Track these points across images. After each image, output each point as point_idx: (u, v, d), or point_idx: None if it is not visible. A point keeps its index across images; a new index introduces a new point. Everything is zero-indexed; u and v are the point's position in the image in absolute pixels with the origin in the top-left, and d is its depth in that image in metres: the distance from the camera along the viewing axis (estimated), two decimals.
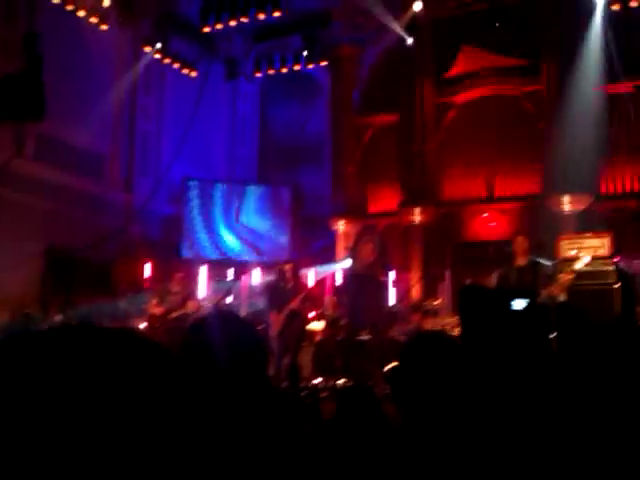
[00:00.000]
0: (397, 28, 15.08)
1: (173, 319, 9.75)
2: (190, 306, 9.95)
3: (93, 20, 14.55)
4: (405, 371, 2.16)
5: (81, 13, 14.26)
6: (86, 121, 14.08)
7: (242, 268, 14.12)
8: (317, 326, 11.14)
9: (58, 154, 13.94)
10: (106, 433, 0.75)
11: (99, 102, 14.58)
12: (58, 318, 11.39)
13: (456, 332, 11.19)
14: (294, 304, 9.42)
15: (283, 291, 9.66)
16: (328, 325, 11.04)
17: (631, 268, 10.16)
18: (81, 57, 14.06)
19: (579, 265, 8.38)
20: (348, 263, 9.74)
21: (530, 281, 8.27)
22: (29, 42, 12.88)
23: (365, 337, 8.88)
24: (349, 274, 9.05)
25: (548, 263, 8.69)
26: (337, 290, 12.30)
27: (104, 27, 14.82)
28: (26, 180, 13.08)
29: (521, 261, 8.43)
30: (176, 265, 10.29)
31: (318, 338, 11.02)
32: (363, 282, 8.70)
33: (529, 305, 5.65)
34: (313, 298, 10.14)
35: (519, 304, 6.02)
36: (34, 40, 12.87)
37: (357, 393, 4.09)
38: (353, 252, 9.32)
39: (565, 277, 8.29)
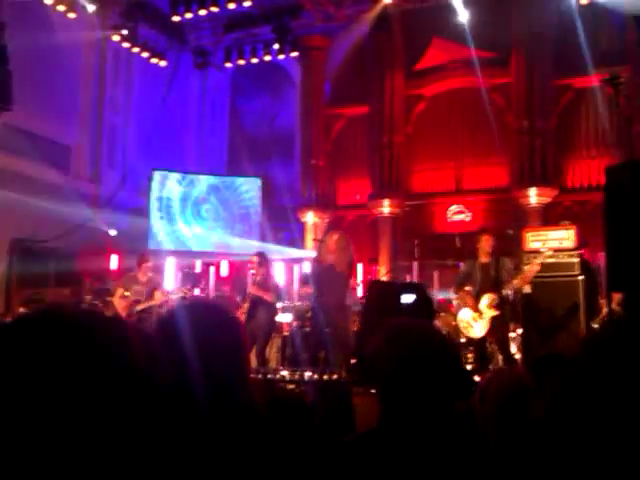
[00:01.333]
0: (368, 19, 15.08)
1: (140, 311, 9.65)
2: (157, 297, 9.83)
3: (60, 8, 14.33)
4: (381, 359, 2.14)
5: (48, 1, 14.04)
6: (53, 111, 13.92)
7: (210, 259, 14.07)
8: (284, 318, 11.14)
9: (25, 144, 13.76)
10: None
11: (66, 92, 14.41)
12: (22, 311, 11.28)
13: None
14: (255, 292, 9.37)
15: (251, 282, 9.64)
16: (295, 317, 11.05)
17: (595, 260, 10.27)
18: (48, 45, 13.85)
19: (540, 259, 8.51)
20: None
21: (494, 277, 8.36)
22: None
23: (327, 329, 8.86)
24: (315, 265, 9.04)
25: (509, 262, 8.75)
26: (304, 281, 12.31)
27: (72, 15, 14.61)
28: None
29: (484, 258, 8.50)
30: (143, 255, 10.15)
31: (286, 330, 11.03)
32: (328, 273, 8.70)
33: (417, 299, 5.84)
34: (278, 288, 10.06)
35: (407, 298, 6.19)
36: (0, 29, 12.69)
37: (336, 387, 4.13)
38: (321, 243, 9.31)
39: (529, 270, 8.41)
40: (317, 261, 8.88)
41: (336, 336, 8.49)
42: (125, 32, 15.52)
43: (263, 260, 9.70)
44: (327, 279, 8.61)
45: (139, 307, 9.65)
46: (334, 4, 15.68)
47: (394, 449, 1.94)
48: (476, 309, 8.36)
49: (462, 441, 1.97)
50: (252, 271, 9.50)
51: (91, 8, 14.79)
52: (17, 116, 12.87)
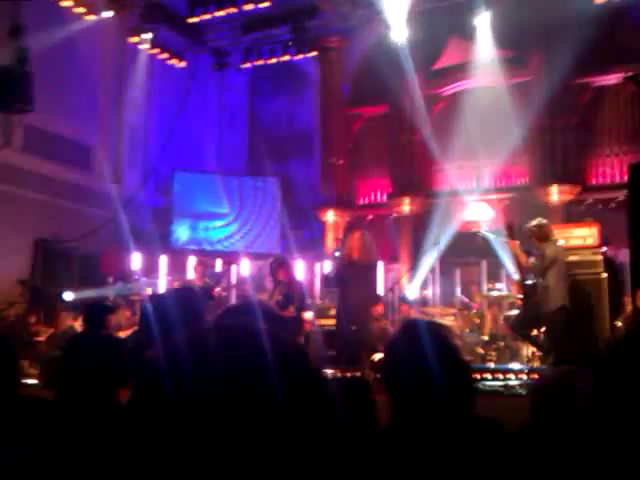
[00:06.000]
0: (385, 19, 15.07)
1: None
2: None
3: (80, 10, 14.43)
4: (391, 360, 2.16)
5: (67, 3, 14.15)
6: (74, 112, 14.02)
7: (231, 258, 14.11)
8: (306, 316, 11.14)
9: (46, 145, 13.87)
10: None
11: (87, 92, 14.51)
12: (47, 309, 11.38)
13: (444, 320, 11.30)
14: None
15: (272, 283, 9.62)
16: (320, 315, 11.06)
17: (618, 258, 10.23)
18: (68, 48, 13.95)
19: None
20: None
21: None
22: (15, 33, 12.79)
23: (354, 326, 8.85)
24: (339, 263, 9.02)
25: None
26: (326, 280, 12.29)
27: (91, 17, 14.71)
28: (14, 171, 13.02)
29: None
30: (201, 260, 10.30)
31: (307, 328, 11.03)
32: (353, 271, 8.69)
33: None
34: (302, 295, 9.87)
35: None
36: (20, 31, 12.79)
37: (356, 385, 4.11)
38: (342, 242, 9.31)
39: None
40: (341, 259, 8.86)
41: (361, 333, 8.48)
42: (145, 36, 15.62)
43: (281, 263, 9.47)
44: (352, 276, 8.61)
45: None
46: (351, 4, 15.68)
47: (404, 450, 1.94)
48: None
49: (476, 442, 1.97)
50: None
51: (108, 14, 14.88)
52: (38, 117, 12.96)
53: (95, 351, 2.56)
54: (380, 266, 11.24)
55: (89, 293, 11.78)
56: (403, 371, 2.04)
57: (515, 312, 10.20)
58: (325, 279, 12.19)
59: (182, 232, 15.56)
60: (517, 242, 8.69)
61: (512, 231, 8.68)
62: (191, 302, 2.48)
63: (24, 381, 8.18)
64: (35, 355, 9.92)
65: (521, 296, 9.59)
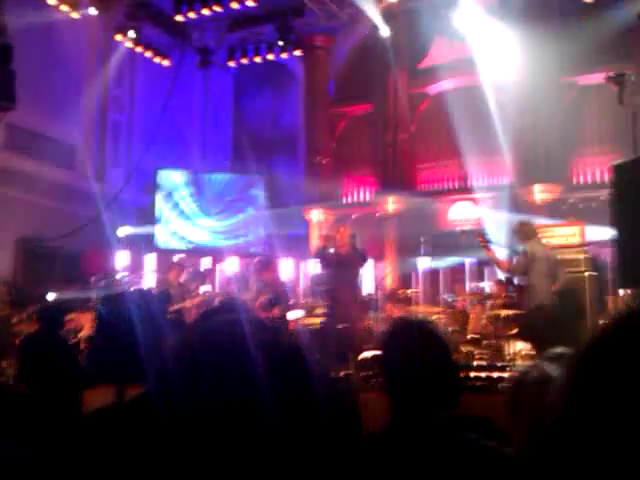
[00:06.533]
0: (371, 18, 15.07)
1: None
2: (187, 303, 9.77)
3: (64, 8, 14.34)
4: (389, 360, 2.16)
5: (52, 1, 14.05)
6: (57, 110, 13.93)
7: (216, 257, 14.10)
8: (295, 315, 11.14)
9: (29, 143, 13.78)
10: None
11: (70, 91, 14.43)
12: (31, 309, 11.27)
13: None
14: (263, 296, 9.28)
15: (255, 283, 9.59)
16: (306, 314, 11.05)
17: (602, 256, 10.29)
18: (52, 45, 13.87)
19: None
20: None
21: None
22: None
23: (341, 325, 8.83)
24: (325, 261, 9.00)
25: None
26: (313, 278, 12.29)
27: (75, 15, 14.62)
28: None
29: None
30: (178, 260, 10.25)
31: (292, 328, 11.01)
32: (339, 269, 8.66)
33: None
34: (285, 294, 9.89)
35: None
36: (3, 29, 12.69)
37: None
38: (329, 240, 9.28)
39: None
40: (329, 255, 8.83)
41: (351, 331, 8.44)
42: (130, 34, 15.56)
43: (264, 262, 9.47)
44: (341, 272, 8.56)
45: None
46: (337, 3, 15.68)
47: (406, 451, 1.93)
48: None
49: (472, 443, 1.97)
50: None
51: (93, 11, 14.80)
52: (21, 116, 12.88)
53: (45, 351, 2.58)
54: (368, 264, 11.25)
55: (73, 293, 11.71)
56: (403, 371, 2.04)
57: (500, 312, 10.26)
58: (314, 278, 12.15)
59: (166, 231, 15.47)
60: (492, 250, 8.69)
61: (484, 240, 8.67)
62: (145, 303, 2.44)
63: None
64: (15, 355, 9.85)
65: (508, 296, 9.65)
